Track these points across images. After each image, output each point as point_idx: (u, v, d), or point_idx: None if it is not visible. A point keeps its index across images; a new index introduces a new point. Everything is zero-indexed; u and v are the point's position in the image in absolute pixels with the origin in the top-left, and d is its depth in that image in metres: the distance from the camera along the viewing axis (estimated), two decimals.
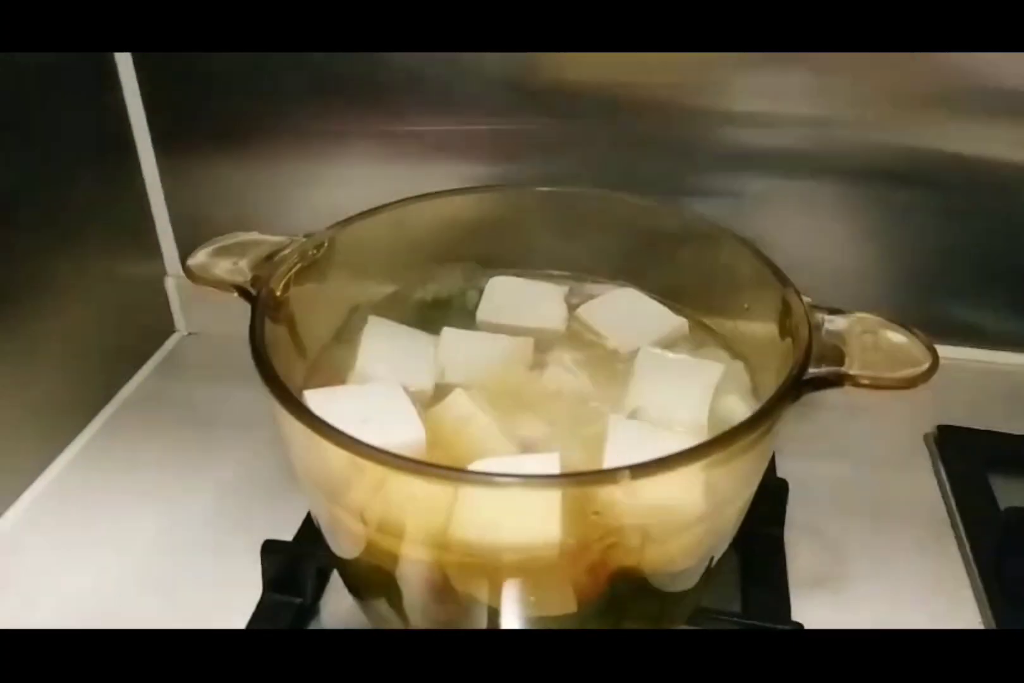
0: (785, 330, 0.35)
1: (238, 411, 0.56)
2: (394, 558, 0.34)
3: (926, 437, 0.54)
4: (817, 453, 0.52)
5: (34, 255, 0.51)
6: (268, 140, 0.56)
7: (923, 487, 0.51)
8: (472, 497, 0.31)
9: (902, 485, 0.51)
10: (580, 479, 0.30)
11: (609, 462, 0.32)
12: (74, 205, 0.54)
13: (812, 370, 0.32)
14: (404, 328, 0.41)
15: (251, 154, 0.57)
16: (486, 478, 0.30)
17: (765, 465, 0.35)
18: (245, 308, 0.36)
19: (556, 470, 0.33)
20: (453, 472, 0.30)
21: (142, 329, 0.62)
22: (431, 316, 0.43)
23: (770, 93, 0.49)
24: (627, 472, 0.28)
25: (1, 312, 0.49)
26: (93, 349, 0.57)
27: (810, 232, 0.54)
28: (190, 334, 0.65)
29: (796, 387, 0.32)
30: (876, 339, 0.33)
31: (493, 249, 0.44)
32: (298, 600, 0.45)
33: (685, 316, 0.42)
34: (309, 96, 0.54)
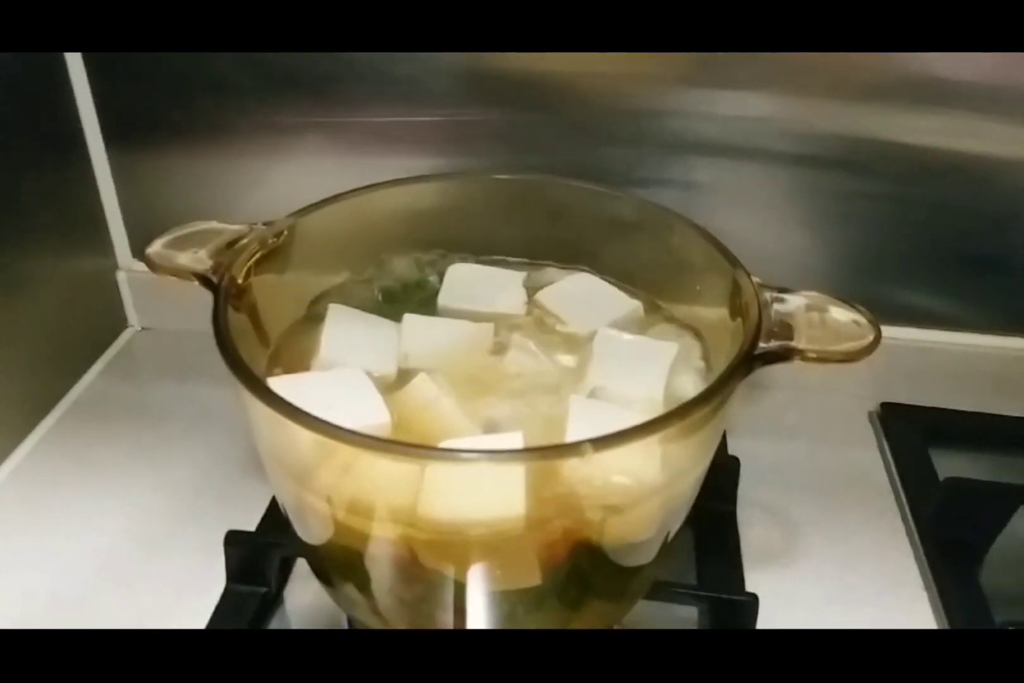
0: (736, 310, 0.37)
1: (193, 406, 0.56)
2: (363, 539, 0.34)
3: (870, 414, 0.56)
4: (767, 432, 0.54)
5: None
6: (219, 134, 0.56)
7: (868, 462, 0.53)
8: (438, 474, 0.31)
9: (848, 460, 0.53)
10: (544, 453, 0.31)
11: (571, 439, 0.33)
12: (24, 200, 0.53)
13: (762, 345, 0.33)
14: (366, 315, 0.42)
15: (202, 148, 0.57)
16: (452, 454, 0.31)
17: (718, 438, 0.36)
18: (199, 303, 0.36)
19: (520, 445, 0.34)
20: (420, 449, 0.31)
21: (94, 324, 0.62)
22: (392, 303, 0.43)
23: (717, 85, 0.51)
24: (589, 445, 0.30)
25: None
26: (44, 345, 0.56)
27: (757, 219, 0.55)
28: (143, 329, 0.65)
29: (748, 361, 0.33)
30: (822, 316, 0.35)
31: (452, 236, 0.45)
32: (262, 590, 0.45)
33: (640, 299, 0.43)
34: (260, 89, 0.54)
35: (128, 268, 0.62)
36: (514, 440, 0.34)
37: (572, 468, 0.31)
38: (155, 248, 0.39)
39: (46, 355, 0.57)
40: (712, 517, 0.47)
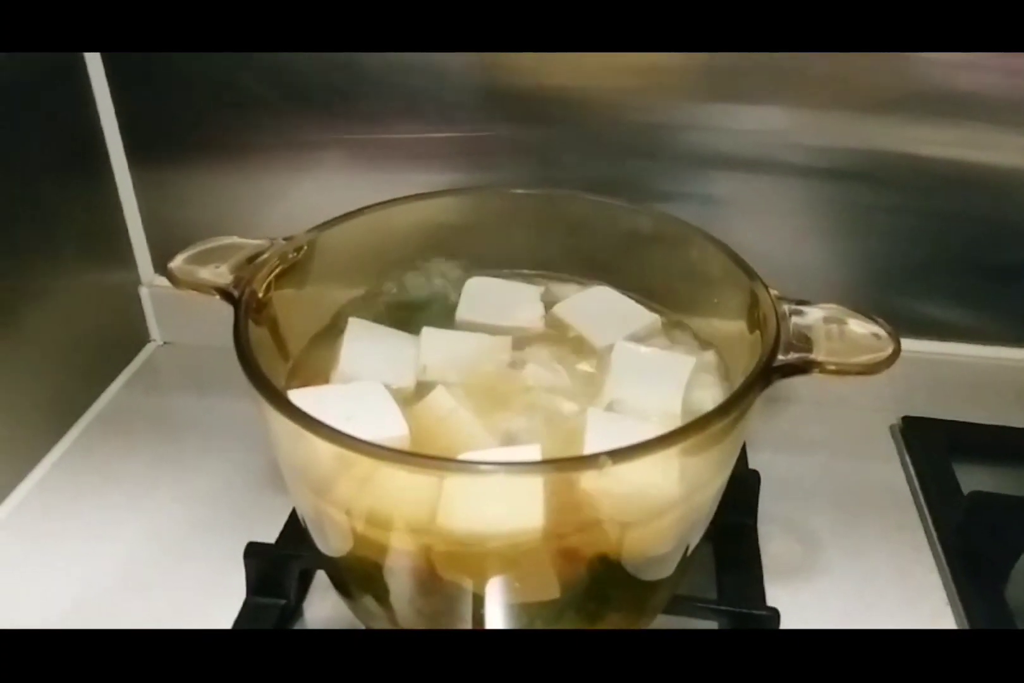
0: (754, 323, 0.37)
1: (214, 419, 0.57)
2: (382, 550, 0.34)
3: (892, 428, 0.56)
4: (788, 446, 0.53)
5: (6, 266, 0.51)
6: (241, 150, 0.57)
7: (890, 475, 0.53)
8: (457, 486, 0.32)
9: (870, 474, 0.52)
10: (562, 465, 0.31)
11: (589, 451, 0.33)
12: (47, 216, 0.54)
13: (781, 358, 0.33)
14: (385, 329, 0.42)
15: (224, 164, 0.58)
16: (470, 466, 0.31)
17: (737, 451, 0.36)
18: (220, 317, 0.37)
19: (538, 458, 0.34)
20: (438, 461, 0.31)
21: (117, 339, 0.63)
22: (411, 317, 0.43)
23: (734, 99, 0.51)
24: (607, 457, 0.30)
25: None
26: (67, 360, 0.57)
27: (774, 231, 0.55)
28: (165, 344, 0.65)
29: (766, 374, 0.33)
30: (841, 328, 0.35)
31: (470, 250, 0.45)
32: (282, 602, 0.45)
33: (658, 312, 0.43)
34: (281, 105, 0.55)
35: (150, 283, 0.63)
36: (532, 453, 0.34)
37: (590, 480, 0.31)
38: (177, 263, 0.39)
39: (70, 368, 0.57)
40: (732, 531, 0.47)
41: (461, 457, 0.33)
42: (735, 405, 0.32)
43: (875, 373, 0.34)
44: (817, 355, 0.33)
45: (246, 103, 0.55)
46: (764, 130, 0.52)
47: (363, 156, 0.56)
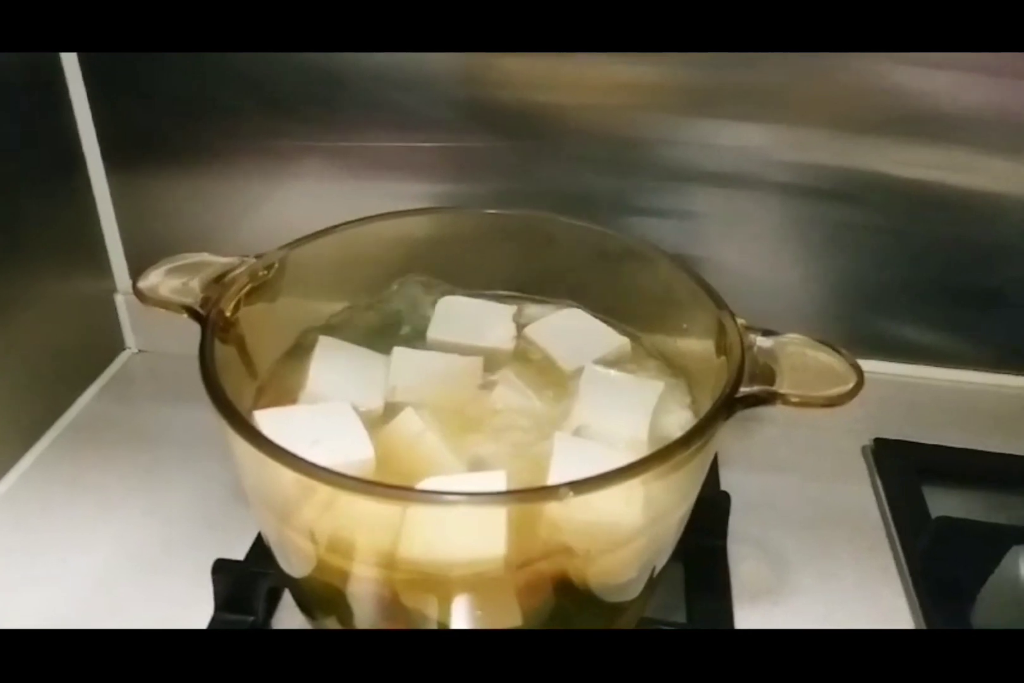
0: (721, 349, 0.37)
1: (188, 430, 0.56)
2: (344, 576, 0.34)
3: (864, 449, 0.56)
4: (759, 466, 0.53)
5: None
6: (219, 157, 0.57)
7: (860, 497, 0.53)
8: (419, 515, 0.31)
9: (840, 496, 0.53)
10: (523, 496, 0.31)
11: (554, 478, 0.33)
12: (23, 221, 0.53)
13: (744, 389, 0.33)
14: (354, 348, 0.42)
15: (202, 171, 0.57)
16: (432, 497, 0.31)
17: (702, 479, 0.36)
18: (196, 327, 0.37)
19: (502, 487, 0.34)
20: (400, 491, 0.31)
21: (91, 346, 0.62)
22: (382, 335, 0.43)
23: (713, 115, 0.51)
24: (568, 489, 0.30)
25: None
26: (41, 366, 0.56)
27: (751, 249, 0.55)
28: (140, 352, 0.65)
29: (729, 405, 0.33)
30: (805, 359, 0.35)
31: (442, 269, 0.45)
32: (250, 619, 0.45)
33: (628, 335, 0.43)
34: (259, 114, 0.54)
35: (126, 291, 0.63)
36: (497, 480, 0.34)
37: (552, 510, 0.31)
38: (146, 281, 0.39)
39: (42, 376, 0.57)
40: (702, 552, 0.47)
41: (423, 486, 0.33)
42: (697, 436, 0.32)
43: (838, 405, 0.34)
44: (780, 387, 0.34)
45: (225, 111, 0.55)
46: (745, 146, 0.52)
47: (340, 165, 0.56)
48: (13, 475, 0.54)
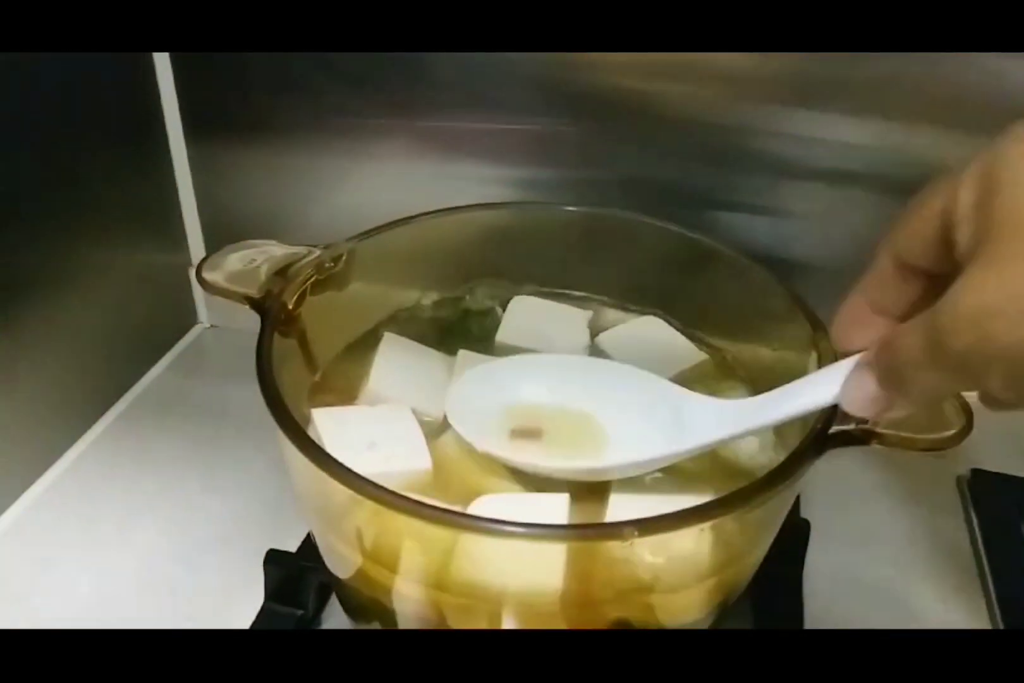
0: None
1: (254, 409, 0.55)
2: (388, 592, 0.33)
3: (959, 480, 0.52)
4: (843, 491, 0.50)
5: (58, 243, 0.50)
6: (299, 133, 0.55)
7: (952, 532, 0.49)
8: (473, 541, 0.30)
9: (930, 530, 0.49)
10: (583, 533, 0.29)
11: (614, 511, 0.31)
12: (99, 190, 0.52)
13: (837, 427, 0.30)
14: (419, 347, 0.40)
15: (282, 147, 0.56)
16: (486, 525, 0.28)
17: (783, 517, 0.33)
18: None
19: (565, 511, 0.31)
20: (452, 516, 0.29)
21: (163, 319, 0.62)
22: (449, 334, 0.42)
23: (814, 106, 0.47)
24: (633, 529, 0.27)
25: (23, 301, 0.48)
26: (112, 338, 0.56)
27: (849, 254, 0.50)
28: (212, 327, 0.64)
29: (820, 443, 0.30)
30: None
31: (517, 266, 0.43)
32: (299, 612, 0.44)
33: (709, 348, 0.40)
34: (344, 91, 0.53)
35: None
36: (559, 503, 0.32)
37: (615, 548, 0.29)
38: (210, 268, 0.38)
39: (113, 348, 0.56)
40: (775, 581, 0.43)
41: (479, 505, 0.31)
42: (782, 477, 0.29)
43: (941, 450, 0.30)
44: (877, 424, 0.30)
45: (307, 86, 0.53)
46: (847, 142, 0.48)
47: (421, 146, 0.54)
48: (82, 444, 0.54)
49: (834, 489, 0.48)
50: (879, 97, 0.46)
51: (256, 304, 0.37)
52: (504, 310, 0.42)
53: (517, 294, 0.42)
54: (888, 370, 0.25)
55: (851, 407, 0.27)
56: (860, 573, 0.46)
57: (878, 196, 0.49)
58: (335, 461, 0.30)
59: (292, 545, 0.45)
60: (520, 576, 0.30)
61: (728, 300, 0.39)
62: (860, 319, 0.29)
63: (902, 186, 0.47)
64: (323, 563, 0.38)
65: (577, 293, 0.43)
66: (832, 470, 0.49)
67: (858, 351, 0.27)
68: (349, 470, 0.29)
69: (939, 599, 0.45)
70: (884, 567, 0.46)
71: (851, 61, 0.45)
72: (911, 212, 0.26)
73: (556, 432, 0.35)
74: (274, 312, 0.36)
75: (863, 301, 0.29)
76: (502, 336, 0.41)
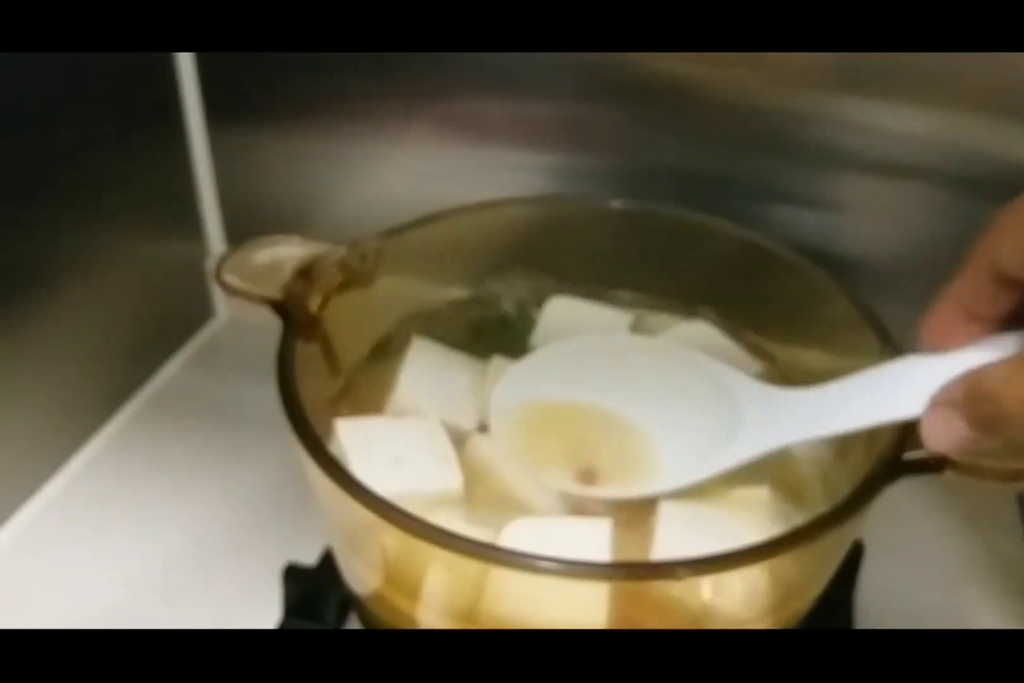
0: None
1: (272, 409, 0.53)
2: (412, 622, 0.31)
3: (1019, 498, 0.49)
4: (897, 508, 0.47)
5: (68, 232, 0.48)
6: (322, 119, 0.53)
7: (1012, 552, 0.46)
8: (507, 575, 0.27)
9: (989, 550, 0.46)
10: (628, 572, 0.26)
11: (660, 547, 0.28)
12: (115, 177, 0.50)
13: (909, 454, 0.28)
14: (450, 352, 0.38)
15: (304, 133, 0.54)
16: (519, 559, 0.26)
17: (845, 552, 0.31)
18: None
19: (607, 539, 0.29)
20: (486, 549, 0.26)
21: (180, 312, 0.59)
22: (482, 337, 0.39)
23: (873, 94, 0.44)
24: (686, 570, 0.25)
25: (30, 293, 0.46)
26: (124, 333, 0.54)
27: (906, 249, 0.48)
28: (229, 320, 0.62)
29: (889, 472, 0.27)
30: None
31: (554, 264, 0.40)
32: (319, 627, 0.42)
33: (762, 354, 0.38)
34: (367, 75, 0.50)
35: (219, 255, 0.60)
36: (601, 529, 0.29)
37: (663, 587, 0.27)
38: (228, 269, 0.36)
39: (126, 341, 0.54)
40: (826, 602, 0.41)
41: (513, 532, 0.29)
42: (848, 512, 0.27)
43: (1020, 481, 0.28)
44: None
45: (330, 70, 0.50)
46: (905, 132, 0.45)
47: (448, 132, 0.51)
48: (91, 447, 0.52)
49: (888, 506, 0.45)
50: (938, 85, 0.43)
51: (278, 307, 0.34)
52: (540, 311, 0.39)
53: (554, 294, 0.40)
54: (987, 419, 0.22)
55: (936, 446, 0.24)
56: (914, 594, 0.44)
57: (935, 190, 0.46)
58: (359, 484, 0.28)
59: (311, 555, 0.43)
60: (558, 612, 0.27)
61: (783, 304, 0.36)
62: (952, 327, 0.27)
63: (960, 180, 0.46)
64: (343, 579, 0.36)
65: (620, 293, 0.41)
66: (888, 488, 0.46)
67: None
68: (374, 494, 0.27)
69: (998, 623, 0.43)
70: (939, 588, 0.44)
71: None
72: (1010, 219, 0.24)
73: (607, 458, 0.33)
74: (296, 316, 0.34)
75: (955, 308, 0.26)
76: (538, 340, 0.38)
